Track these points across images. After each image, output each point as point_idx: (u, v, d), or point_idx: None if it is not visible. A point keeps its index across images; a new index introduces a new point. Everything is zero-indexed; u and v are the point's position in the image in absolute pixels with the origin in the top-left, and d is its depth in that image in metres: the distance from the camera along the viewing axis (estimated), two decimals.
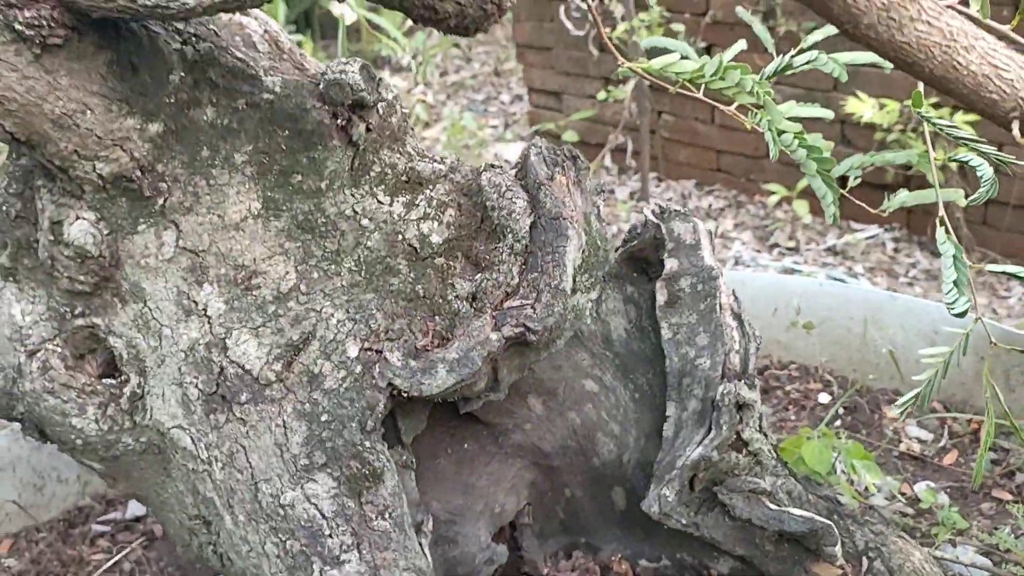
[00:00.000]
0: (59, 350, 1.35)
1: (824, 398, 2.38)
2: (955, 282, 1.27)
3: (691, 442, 1.49)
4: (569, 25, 4.31)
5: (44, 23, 1.09)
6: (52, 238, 1.30)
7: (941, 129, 1.30)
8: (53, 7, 1.09)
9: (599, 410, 1.60)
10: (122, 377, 1.35)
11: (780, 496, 1.52)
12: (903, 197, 1.57)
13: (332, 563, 1.23)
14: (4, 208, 1.36)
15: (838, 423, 2.30)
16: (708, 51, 3.99)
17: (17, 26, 1.08)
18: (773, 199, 3.76)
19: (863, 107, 3.53)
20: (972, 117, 3.27)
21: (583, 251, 1.39)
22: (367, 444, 1.28)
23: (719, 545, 1.52)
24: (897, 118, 3.54)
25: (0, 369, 1.40)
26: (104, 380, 1.36)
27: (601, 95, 4.09)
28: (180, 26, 1.27)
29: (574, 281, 1.37)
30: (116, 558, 2.06)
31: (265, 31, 1.38)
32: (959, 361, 2.31)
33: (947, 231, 1.34)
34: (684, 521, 1.49)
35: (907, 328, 2.36)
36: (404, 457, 1.38)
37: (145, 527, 2.19)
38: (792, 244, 3.79)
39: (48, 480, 2.15)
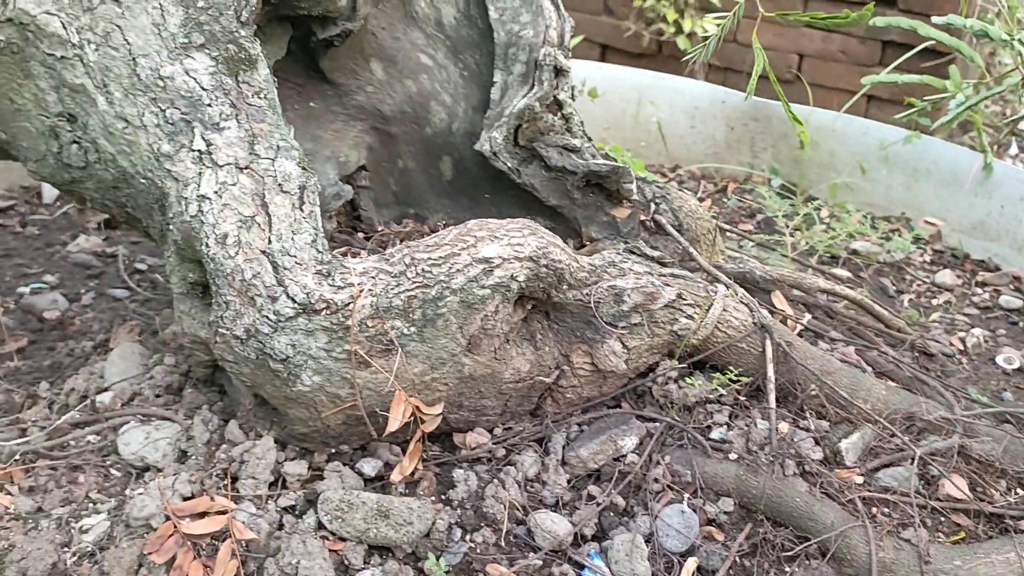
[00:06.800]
0: None
1: None
2: None
3: (517, 96, 1.72)
4: None
5: None
6: None
7: None
8: None
9: (433, 81, 1.79)
10: None
11: (587, 156, 1.80)
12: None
13: (213, 128, 1.34)
14: None
15: None
16: None
17: None
18: None
19: None
20: None
21: None
22: (243, 32, 1.39)
23: (536, 193, 1.77)
24: None
25: None
26: None
27: None
28: None
29: None
30: None
31: None
32: (713, 132, 2.73)
33: None
34: (509, 164, 1.72)
35: (672, 105, 2.74)
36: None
37: None
38: None
39: None
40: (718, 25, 1.69)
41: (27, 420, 1.57)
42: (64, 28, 1.36)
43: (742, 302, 1.59)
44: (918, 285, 2.24)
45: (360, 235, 1.80)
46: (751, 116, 2.63)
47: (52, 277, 2.07)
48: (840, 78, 3.72)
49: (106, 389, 1.60)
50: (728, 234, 2.27)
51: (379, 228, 1.81)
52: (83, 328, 1.87)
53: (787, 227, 2.21)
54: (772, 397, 1.50)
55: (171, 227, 1.36)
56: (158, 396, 1.57)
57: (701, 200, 2.59)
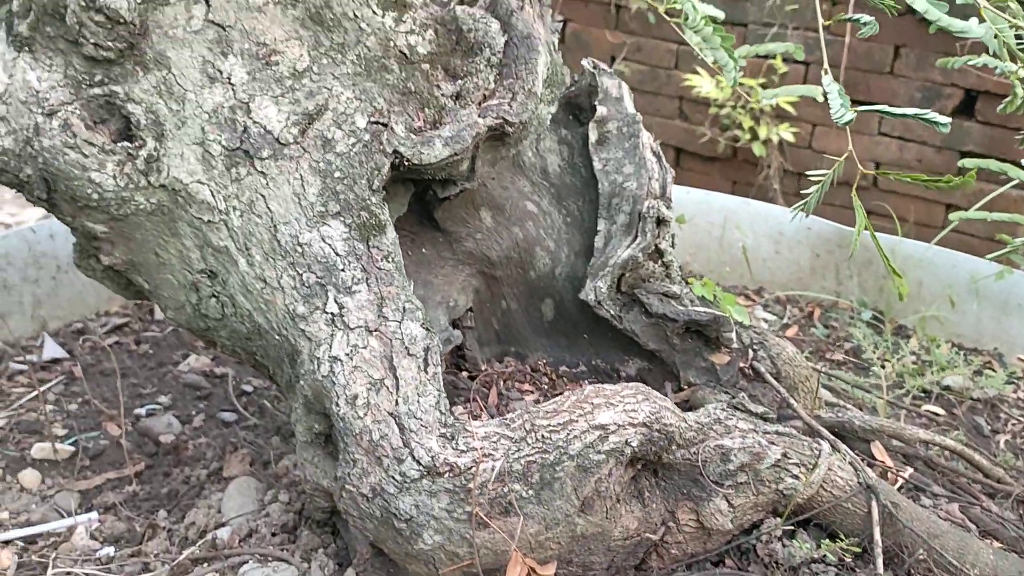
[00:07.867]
0: (78, 111, 1.47)
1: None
2: (841, 105, 1.63)
3: (620, 246, 1.79)
4: None
5: None
6: (84, 4, 1.42)
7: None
8: None
9: (538, 228, 1.87)
10: (138, 142, 1.48)
11: (686, 302, 1.85)
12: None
13: (345, 292, 1.43)
14: None
15: None
16: (564, 26, 4.38)
17: None
18: None
19: (702, 81, 4.00)
20: (792, 98, 3.83)
21: (548, 67, 1.67)
22: (374, 200, 1.49)
23: (637, 338, 1.82)
24: (730, 95, 4.05)
25: (12, 132, 1.49)
26: (120, 144, 1.48)
27: None
28: None
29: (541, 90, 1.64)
30: (40, 389, 2.11)
31: None
32: (798, 258, 2.77)
33: (828, 73, 1.71)
34: (612, 312, 1.78)
35: (756, 230, 2.78)
36: None
37: (63, 368, 2.24)
38: None
39: None
40: (814, 180, 1.72)
41: (149, 553, 1.64)
42: (212, 196, 1.47)
43: (848, 462, 1.60)
44: (1013, 424, 2.22)
45: (464, 374, 1.87)
46: (836, 243, 2.67)
47: (165, 398, 2.17)
48: (916, 187, 3.74)
49: (224, 524, 1.67)
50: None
51: (483, 367, 1.87)
52: (196, 454, 1.95)
53: (880, 364, 2.22)
54: (880, 562, 1.50)
55: (301, 382, 1.44)
56: (274, 535, 1.63)
57: (787, 327, 2.62)
